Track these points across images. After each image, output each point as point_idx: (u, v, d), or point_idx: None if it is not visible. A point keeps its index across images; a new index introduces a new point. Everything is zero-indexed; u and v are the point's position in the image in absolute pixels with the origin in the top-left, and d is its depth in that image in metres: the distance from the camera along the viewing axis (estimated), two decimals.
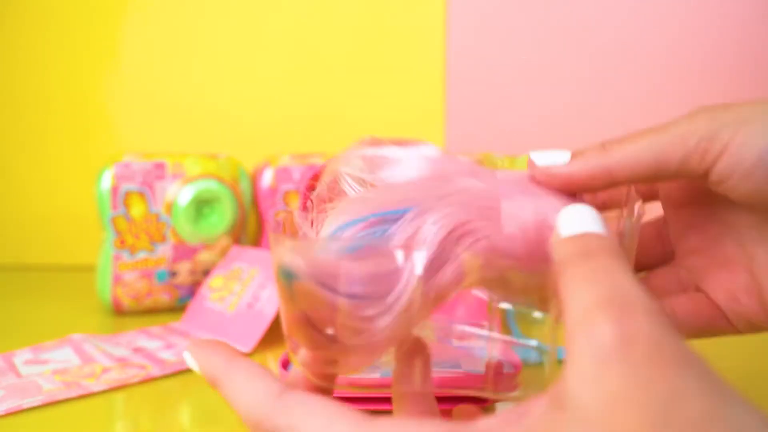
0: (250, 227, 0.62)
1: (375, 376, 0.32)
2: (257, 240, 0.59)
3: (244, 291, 0.47)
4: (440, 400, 0.29)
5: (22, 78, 0.70)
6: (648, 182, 0.23)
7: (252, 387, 0.20)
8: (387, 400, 0.29)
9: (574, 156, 0.23)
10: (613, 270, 0.16)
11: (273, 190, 0.57)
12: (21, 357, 0.40)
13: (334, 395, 0.30)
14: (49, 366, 0.38)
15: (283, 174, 0.57)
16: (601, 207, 0.27)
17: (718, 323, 0.24)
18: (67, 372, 0.37)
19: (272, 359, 0.41)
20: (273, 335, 0.44)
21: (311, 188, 0.48)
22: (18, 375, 0.37)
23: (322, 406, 0.18)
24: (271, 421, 0.18)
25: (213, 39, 0.71)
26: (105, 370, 0.38)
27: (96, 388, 0.35)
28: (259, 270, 0.48)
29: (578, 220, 0.19)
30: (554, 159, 0.23)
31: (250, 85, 0.72)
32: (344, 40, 0.71)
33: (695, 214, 0.25)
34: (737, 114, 0.21)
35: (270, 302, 0.44)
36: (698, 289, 0.25)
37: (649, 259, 0.27)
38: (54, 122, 0.71)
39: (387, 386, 0.30)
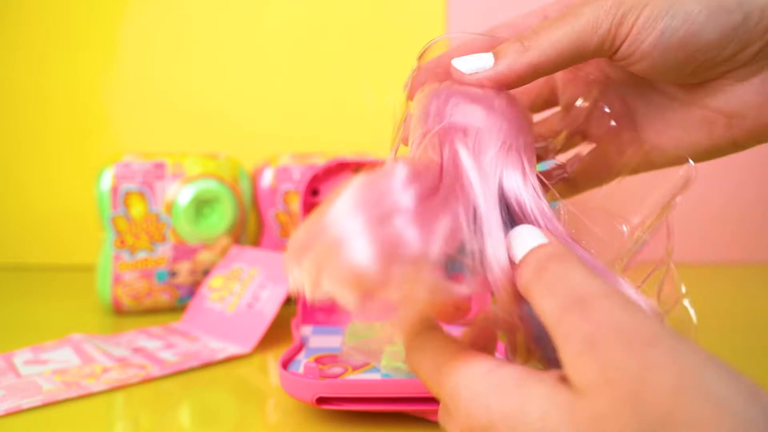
0: (250, 227, 0.62)
1: (376, 377, 0.32)
2: (257, 240, 0.59)
3: (244, 291, 0.47)
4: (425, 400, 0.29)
5: (21, 78, 0.70)
6: (565, 68, 0.25)
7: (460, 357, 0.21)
8: (388, 400, 0.30)
9: (496, 56, 0.24)
10: (564, 274, 0.19)
11: (273, 190, 0.57)
12: (21, 357, 0.40)
13: (331, 398, 0.30)
14: (49, 366, 0.38)
15: (283, 174, 0.57)
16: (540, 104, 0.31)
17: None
18: (67, 372, 0.37)
19: (272, 359, 0.41)
20: (273, 335, 0.44)
21: (312, 187, 0.48)
22: (18, 375, 0.37)
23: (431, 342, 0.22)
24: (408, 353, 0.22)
25: (213, 39, 0.71)
26: (105, 370, 0.38)
27: (96, 388, 0.35)
28: (259, 270, 0.48)
29: (520, 241, 0.21)
30: (478, 64, 0.24)
31: (250, 84, 0.72)
32: (344, 39, 0.71)
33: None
34: None
35: (270, 302, 0.44)
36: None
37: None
38: (54, 122, 0.71)
39: (387, 387, 0.30)
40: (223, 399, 0.36)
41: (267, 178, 0.57)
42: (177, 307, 0.54)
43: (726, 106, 0.25)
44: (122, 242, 0.51)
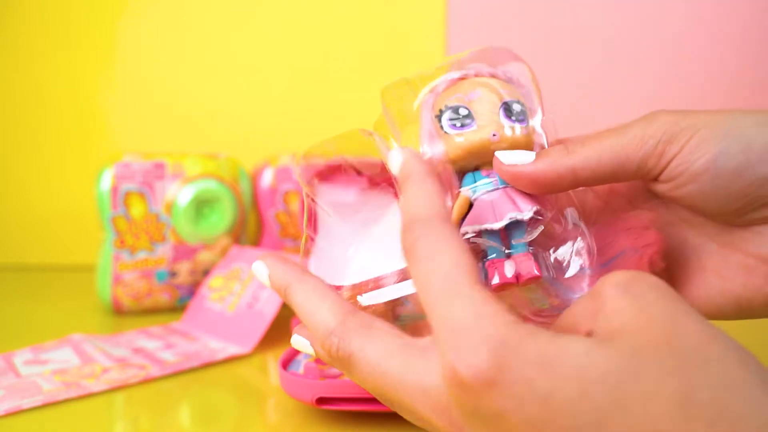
0: (250, 227, 0.62)
1: None
2: (257, 240, 0.59)
3: (244, 291, 0.47)
4: None
5: (21, 78, 0.70)
6: (607, 182, 0.24)
7: (324, 303, 0.22)
8: None
9: (538, 156, 0.24)
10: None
11: (273, 190, 0.56)
12: (21, 357, 0.40)
13: (331, 398, 0.30)
14: (49, 366, 0.38)
15: (283, 174, 0.57)
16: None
17: None
18: (66, 372, 0.37)
19: (272, 359, 0.41)
20: (273, 335, 0.44)
21: (312, 183, 0.48)
22: (18, 375, 0.37)
23: (379, 336, 0.20)
24: (340, 335, 0.21)
25: (213, 39, 0.71)
26: (105, 371, 0.38)
27: (96, 389, 0.35)
28: None
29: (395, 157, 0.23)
30: (519, 158, 0.24)
31: (250, 85, 0.71)
32: (344, 39, 0.71)
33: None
34: (695, 120, 0.22)
35: (270, 302, 0.44)
36: None
37: None
38: (54, 122, 0.71)
39: None
40: (223, 399, 0.36)
41: (267, 178, 0.57)
42: (177, 307, 0.54)
43: None
44: (122, 242, 0.51)
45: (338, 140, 0.30)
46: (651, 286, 0.17)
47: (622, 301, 0.17)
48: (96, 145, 0.71)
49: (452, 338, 0.17)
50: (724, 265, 0.24)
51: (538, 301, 0.25)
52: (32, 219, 0.71)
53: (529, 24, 0.73)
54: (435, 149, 0.26)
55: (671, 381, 0.15)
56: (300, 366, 0.34)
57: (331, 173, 0.46)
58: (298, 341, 0.25)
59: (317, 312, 0.22)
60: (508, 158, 0.24)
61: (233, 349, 0.42)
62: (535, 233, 0.25)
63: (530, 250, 0.25)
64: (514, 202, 0.25)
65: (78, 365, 0.38)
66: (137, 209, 0.51)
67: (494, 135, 0.25)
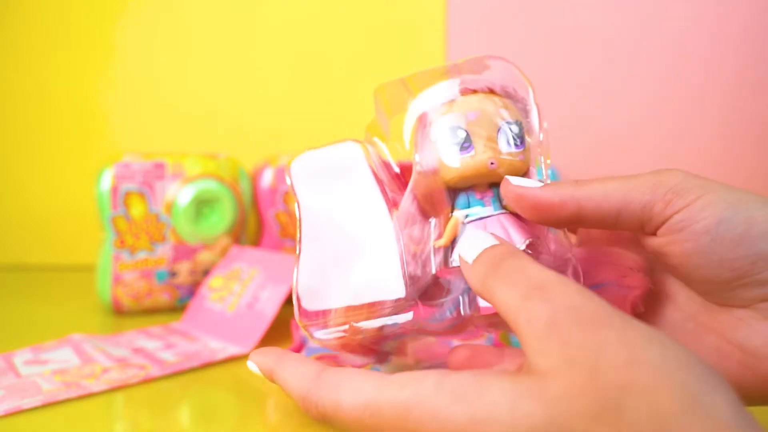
0: (250, 227, 0.62)
1: None
2: (257, 240, 0.59)
3: (244, 291, 0.47)
4: None
5: (21, 78, 0.70)
6: (608, 224, 0.23)
7: (298, 371, 0.24)
8: None
9: (548, 184, 0.24)
10: (520, 266, 0.20)
11: (273, 190, 0.56)
12: (21, 357, 0.40)
13: None
14: (49, 366, 0.38)
15: (283, 174, 0.57)
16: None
17: None
18: (66, 372, 0.37)
19: None
20: (273, 335, 0.44)
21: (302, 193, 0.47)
22: (18, 375, 0.37)
23: (349, 377, 0.22)
24: (313, 394, 0.22)
25: (213, 39, 0.71)
26: (105, 371, 0.38)
27: (96, 389, 0.35)
28: (259, 270, 0.48)
29: (473, 243, 0.23)
30: (529, 183, 0.24)
31: (250, 84, 0.72)
32: (344, 39, 0.71)
33: None
34: (706, 183, 0.22)
35: (270, 302, 0.44)
36: None
37: None
38: (54, 122, 0.71)
39: None
40: (223, 399, 0.36)
41: (267, 178, 0.57)
42: (177, 307, 0.54)
43: (747, 341, 0.22)
44: (122, 242, 0.51)
45: (330, 155, 0.30)
46: (575, 314, 0.17)
47: (548, 341, 0.17)
48: (96, 145, 0.71)
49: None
50: (698, 346, 0.23)
51: None
52: (32, 219, 0.71)
53: (529, 24, 0.73)
54: (427, 161, 0.25)
55: (598, 428, 0.15)
56: None
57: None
58: (252, 367, 0.28)
59: (291, 380, 0.24)
60: (517, 181, 0.24)
61: (233, 349, 0.42)
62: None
63: None
64: (507, 233, 0.25)
65: (78, 365, 0.38)
66: (137, 209, 0.51)
67: (492, 163, 0.25)
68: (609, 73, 0.73)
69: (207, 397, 0.36)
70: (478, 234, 0.23)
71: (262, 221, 0.58)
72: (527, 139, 0.26)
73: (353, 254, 0.27)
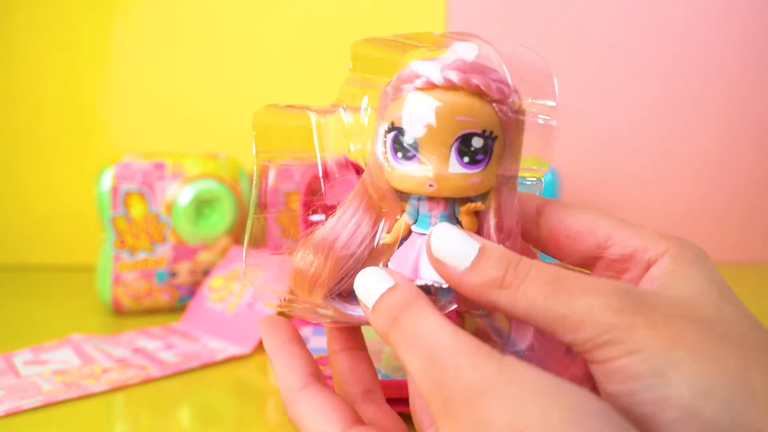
0: None
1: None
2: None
3: (244, 291, 0.47)
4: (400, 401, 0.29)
5: (21, 78, 0.70)
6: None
7: (286, 374, 0.24)
8: (387, 401, 0.29)
9: (474, 264, 0.20)
10: (417, 325, 0.19)
11: (273, 191, 0.56)
12: (21, 357, 0.40)
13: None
14: (49, 366, 0.38)
15: (283, 174, 0.57)
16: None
17: None
18: (66, 372, 0.37)
19: None
20: None
21: (312, 187, 0.48)
22: (18, 375, 0.37)
23: (320, 407, 0.22)
24: (289, 408, 0.23)
25: (213, 39, 0.71)
26: (105, 371, 0.38)
27: (96, 389, 0.35)
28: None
29: (370, 285, 0.21)
30: (453, 255, 0.20)
31: (249, 85, 0.72)
32: (344, 39, 0.71)
33: None
34: (643, 323, 0.18)
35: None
36: None
37: None
38: (54, 122, 0.71)
39: (387, 388, 0.30)
40: (223, 399, 0.36)
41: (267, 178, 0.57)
42: (177, 308, 0.54)
43: None
44: (122, 242, 0.51)
45: (289, 117, 0.27)
46: (463, 391, 0.17)
47: (445, 420, 0.17)
48: (96, 145, 0.71)
49: None
50: None
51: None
52: (32, 219, 0.71)
53: (529, 24, 0.73)
54: (375, 153, 0.23)
55: None
56: None
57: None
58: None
59: (278, 379, 0.24)
60: (439, 249, 0.20)
61: (233, 350, 0.42)
62: (449, 308, 0.22)
63: (443, 304, 0.22)
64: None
65: (78, 365, 0.38)
66: (137, 209, 0.51)
67: (431, 185, 0.21)
68: (609, 73, 0.73)
69: (207, 398, 0.36)
70: (373, 274, 0.21)
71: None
72: (492, 154, 0.21)
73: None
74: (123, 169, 0.51)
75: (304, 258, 0.24)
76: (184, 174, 0.53)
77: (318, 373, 0.24)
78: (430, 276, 0.21)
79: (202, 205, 0.54)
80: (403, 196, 0.23)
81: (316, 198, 0.27)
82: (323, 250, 0.23)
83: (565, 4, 0.72)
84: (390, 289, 0.20)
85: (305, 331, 0.42)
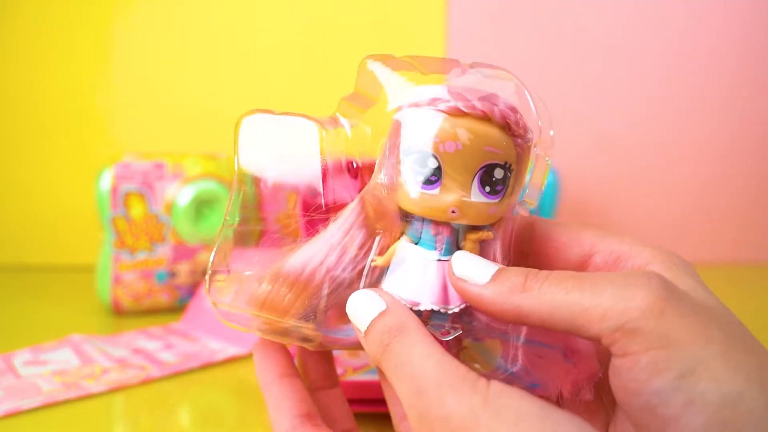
0: None
1: (375, 378, 0.32)
2: (257, 240, 0.59)
3: None
4: (370, 402, 0.29)
5: (21, 78, 0.70)
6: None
7: (275, 417, 0.24)
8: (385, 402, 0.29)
9: (495, 277, 0.20)
10: (405, 354, 0.19)
11: (273, 191, 0.57)
12: (20, 358, 0.40)
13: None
14: (49, 367, 0.38)
15: (273, 186, 0.57)
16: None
17: None
18: (66, 373, 0.37)
19: None
20: None
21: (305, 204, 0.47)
22: (17, 376, 0.36)
23: None
24: None
25: (213, 39, 0.71)
26: (104, 371, 0.38)
27: (96, 389, 0.35)
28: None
29: (362, 308, 0.21)
30: (473, 274, 0.21)
31: (249, 84, 0.72)
32: (344, 39, 0.71)
33: None
34: (671, 325, 0.18)
35: None
36: None
37: None
38: (54, 122, 0.71)
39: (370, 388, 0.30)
40: (223, 399, 0.36)
41: None
42: (177, 308, 0.54)
43: None
44: (122, 243, 0.51)
45: (283, 123, 0.26)
46: (445, 424, 0.18)
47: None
48: (96, 145, 0.71)
49: None
50: None
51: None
52: (32, 219, 0.71)
53: (529, 25, 0.73)
54: (388, 175, 0.22)
55: None
56: None
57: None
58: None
59: (271, 416, 0.25)
60: (461, 269, 0.21)
61: (233, 350, 0.42)
62: (452, 335, 0.22)
63: (447, 329, 0.22)
64: (446, 288, 0.21)
65: (78, 366, 0.38)
66: (137, 209, 0.51)
67: (453, 212, 0.21)
68: (609, 74, 0.73)
69: (207, 398, 0.36)
70: (365, 297, 0.21)
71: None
72: (510, 188, 0.22)
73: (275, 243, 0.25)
74: (123, 169, 0.51)
75: (274, 289, 0.23)
76: (184, 174, 0.53)
77: (310, 410, 0.24)
78: (429, 304, 0.21)
79: (201, 206, 0.54)
80: (405, 218, 0.23)
81: (312, 210, 0.26)
82: (297, 282, 0.23)
83: (565, 5, 0.72)
84: (382, 314, 0.20)
85: None
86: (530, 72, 0.73)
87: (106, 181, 0.51)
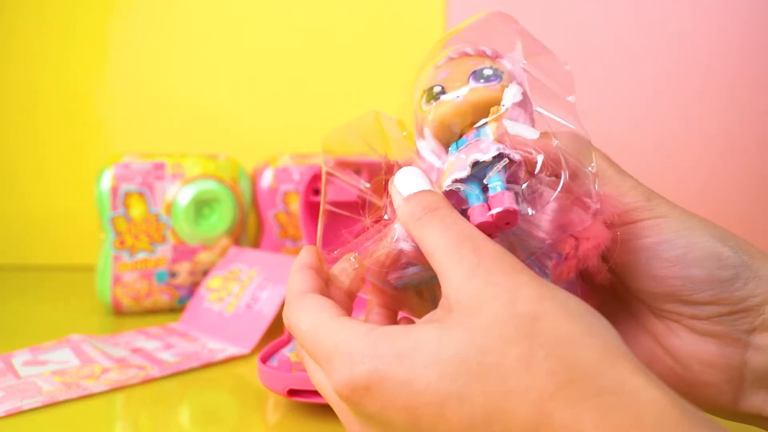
0: (250, 228, 0.62)
1: None
2: (257, 240, 0.59)
3: (243, 292, 0.47)
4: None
5: (21, 78, 0.70)
6: None
7: (288, 290, 0.25)
8: None
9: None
10: (455, 219, 0.22)
11: (273, 190, 0.57)
12: (20, 358, 0.40)
13: (302, 391, 0.31)
14: (48, 367, 0.38)
15: (283, 174, 0.57)
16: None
17: None
18: (66, 373, 0.37)
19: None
20: (273, 335, 0.44)
21: (312, 187, 0.48)
22: (17, 376, 0.37)
23: (310, 305, 0.23)
24: (286, 317, 0.24)
25: (213, 39, 0.71)
26: (104, 371, 0.38)
27: (96, 389, 0.35)
28: (258, 271, 0.48)
29: (411, 179, 0.24)
30: (524, 132, 0.25)
31: (249, 85, 0.72)
32: (344, 39, 0.71)
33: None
34: (668, 206, 0.25)
35: (269, 303, 0.44)
36: None
37: None
38: (54, 122, 0.71)
39: None
40: (223, 399, 0.36)
41: (267, 179, 0.57)
42: (177, 308, 0.54)
43: (675, 350, 0.25)
44: (122, 243, 0.51)
45: (355, 124, 0.30)
46: (497, 262, 0.20)
47: (475, 279, 0.20)
48: (95, 145, 0.71)
49: (326, 365, 0.21)
50: (633, 344, 0.26)
51: (527, 242, 0.25)
52: (32, 219, 0.71)
53: (529, 24, 0.73)
54: (418, 128, 0.27)
55: (513, 348, 0.18)
56: (275, 360, 0.34)
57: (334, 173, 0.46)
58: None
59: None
60: (514, 128, 0.25)
61: (233, 350, 0.42)
62: (499, 165, 0.24)
63: (505, 188, 0.24)
64: (479, 146, 0.25)
65: (77, 366, 0.38)
66: (137, 210, 0.51)
67: (458, 97, 0.25)
68: (609, 73, 0.73)
69: (207, 398, 0.36)
70: (417, 174, 0.25)
71: (261, 222, 0.58)
72: (505, 80, 0.26)
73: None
74: (123, 169, 0.51)
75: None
76: (184, 174, 0.53)
77: (323, 291, 0.25)
78: (471, 157, 0.25)
79: (201, 205, 0.54)
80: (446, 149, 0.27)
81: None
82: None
83: (565, 5, 0.72)
84: (432, 192, 0.24)
85: None
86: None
87: (106, 181, 0.51)
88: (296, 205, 0.57)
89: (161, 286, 0.53)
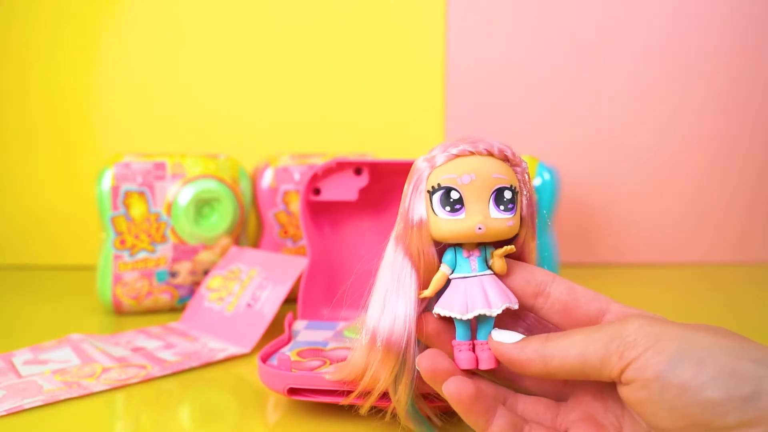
0: (250, 227, 0.62)
1: None
2: (257, 240, 0.59)
3: (243, 291, 0.47)
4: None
5: (22, 78, 0.70)
6: (579, 375, 0.24)
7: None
8: (359, 394, 0.29)
9: (523, 339, 0.26)
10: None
11: (273, 190, 0.57)
12: (20, 357, 0.40)
13: (301, 389, 0.32)
14: (49, 366, 0.38)
15: (283, 174, 0.57)
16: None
17: None
18: (66, 372, 0.37)
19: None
20: (273, 335, 0.44)
21: (312, 187, 0.48)
22: (18, 375, 0.37)
23: None
24: None
25: (213, 39, 0.71)
26: (105, 370, 0.38)
27: (96, 388, 0.35)
28: (258, 270, 0.48)
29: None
30: (507, 338, 0.26)
31: (249, 85, 0.72)
32: (344, 40, 0.71)
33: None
34: (661, 329, 0.23)
35: (269, 302, 0.45)
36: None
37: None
38: (54, 123, 0.71)
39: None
40: (223, 398, 0.36)
41: (267, 179, 0.57)
42: (177, 308, 0.54)
43: None
44: (122, 242, 0.51)
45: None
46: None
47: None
48: (96, 145, 0.71)
49: None
50: None
51: None
52: (32, 219, 0.71)
53: (528, 25, 0.73)
54: (416, 214, 0.27)
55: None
56: (276, 359, 0.34)
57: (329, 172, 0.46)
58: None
59: None
60: (498, 336, 0.26)
61: (233, 349, 0.42)
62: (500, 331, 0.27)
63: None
64: (486, 295, 0.26)
65: (78, 365, 0.39)
66: (137, 209, 0.51)
67: (480, 228, 0.26)
68: (608, 73, 0.73)
69: (207, 397, 0.36)
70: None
71: (262, 221, 0.58)
72: (522, 200, 0.27)
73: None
74: (123, 169, 0.51)
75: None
76: (184, 174, 0.53)
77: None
78: (477, 309, 0.26)
79: (202, 205, 0.54)
80: (439, 247, 0.27)
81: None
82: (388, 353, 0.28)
83: (564, 5, 0.72)
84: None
85: (299, 324, 0.42)
86: (530, 73, 0.74)
87: (107, 181, 0.51)
88: (296, 205, 0.57)
89: (162, 286, 0.53)
